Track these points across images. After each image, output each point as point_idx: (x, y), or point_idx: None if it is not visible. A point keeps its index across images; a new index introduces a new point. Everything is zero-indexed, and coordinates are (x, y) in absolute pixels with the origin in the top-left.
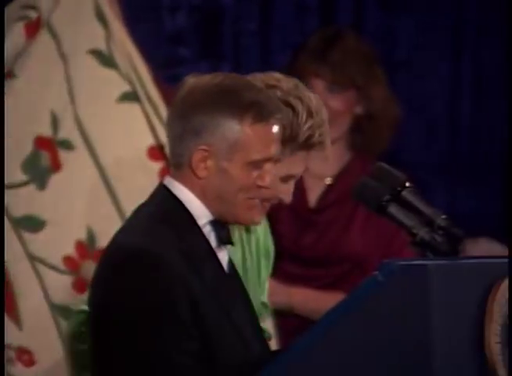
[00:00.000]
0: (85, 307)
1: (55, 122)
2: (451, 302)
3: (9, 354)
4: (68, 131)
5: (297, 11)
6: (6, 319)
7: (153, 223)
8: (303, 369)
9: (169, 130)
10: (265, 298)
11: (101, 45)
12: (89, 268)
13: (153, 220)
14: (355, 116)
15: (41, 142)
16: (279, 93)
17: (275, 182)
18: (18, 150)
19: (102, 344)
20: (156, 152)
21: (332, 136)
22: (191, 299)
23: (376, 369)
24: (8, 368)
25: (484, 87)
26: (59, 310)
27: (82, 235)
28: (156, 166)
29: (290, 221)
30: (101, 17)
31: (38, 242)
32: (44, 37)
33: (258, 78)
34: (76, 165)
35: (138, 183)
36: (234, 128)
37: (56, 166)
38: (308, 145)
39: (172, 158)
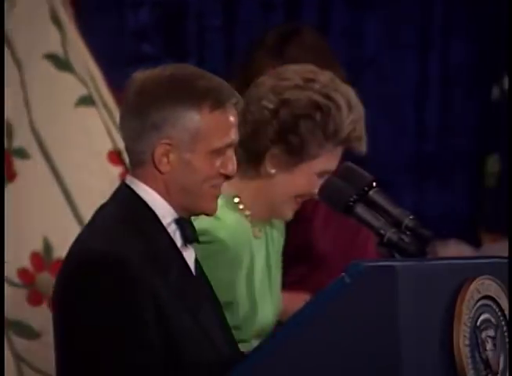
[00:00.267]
0: None
1: (10, 131)
2: (419, 304)
3: None
4: (23, 139)
5: (261, 8)
6: None
7: (116, 224)
8: (270, 370)
9: (125, 129)
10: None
11: (57, 49)
12: (45, 280)
13: (116, 221)
14: None
15: None
16: (317, 86)
17: (313, 178)
18: None
19: (65, 344)
20: (115, 156)
21: None
22: (155, 300)
23: (343, 371)
24: None
25: (452, 87)
26: (12, 326)
27: (38, 246)
28: (116, 170)
29: None
30: (56, 20)
31: None
32: None
33: (291, 71)
34: (31, 174)
35: (98, 189)
36: (194, 118)
37: (11, 176)
38: (348, 140)
39: (132, 157)
